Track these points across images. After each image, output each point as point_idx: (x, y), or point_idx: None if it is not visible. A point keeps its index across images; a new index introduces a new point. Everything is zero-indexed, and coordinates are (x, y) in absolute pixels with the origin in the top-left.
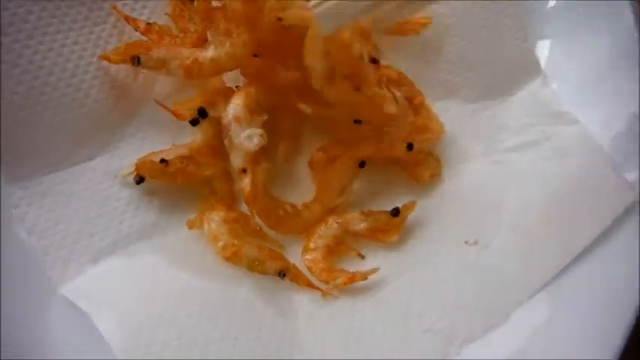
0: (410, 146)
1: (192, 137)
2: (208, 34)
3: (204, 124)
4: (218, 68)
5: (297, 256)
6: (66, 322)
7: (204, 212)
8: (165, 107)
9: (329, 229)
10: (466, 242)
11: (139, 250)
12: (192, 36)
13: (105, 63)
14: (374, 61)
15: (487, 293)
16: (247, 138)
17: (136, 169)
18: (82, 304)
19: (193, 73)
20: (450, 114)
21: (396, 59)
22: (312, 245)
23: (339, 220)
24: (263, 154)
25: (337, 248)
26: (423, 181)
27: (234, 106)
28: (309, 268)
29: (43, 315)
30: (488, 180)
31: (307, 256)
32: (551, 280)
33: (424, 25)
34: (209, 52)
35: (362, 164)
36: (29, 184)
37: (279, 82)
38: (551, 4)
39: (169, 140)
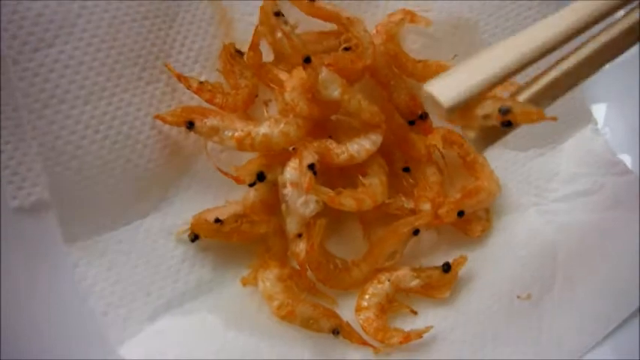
0: (461, 213)
1: (245, 192)
2: (265, 110)
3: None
4: (270, 145)
5: (349, 310)
6: None
7: (258, 269)
8: (226, 174)
9: (381, 287)
10: (518, 297)
11: (195, 307)
12: (243, 92)
13: (158, 122)
14: (422, 117)
15: (541, 349)
16: (304, 204)
17: (191, 227)
18: None
19: (245, 145)
20: (500, 162)
21: None
22: (364, 304)
23: (391, 278)
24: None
25: (389, 305)
26: (474, 235)
27: (291, 171)
28: (364, 328)
29: None
30: (539, 231)
31: (361, 316)
32: (607, 335)
33: None
34: (262, 128)
35: (416, 232)
36: (87, 243)
37: (331, 161)
38: None
39: (222, 194)
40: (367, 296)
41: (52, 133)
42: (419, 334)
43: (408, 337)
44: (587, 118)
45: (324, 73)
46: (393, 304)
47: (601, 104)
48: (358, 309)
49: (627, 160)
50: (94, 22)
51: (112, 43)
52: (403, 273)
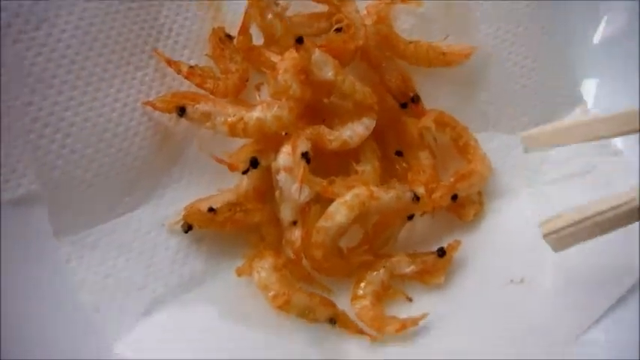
0: (455, 197)
1: (238, 180)
2: (256, 95)
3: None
4: (263, 129)
5: (344, 299)
6: None
7: (253, 259)
8: (221, 160)
9: (376, 274)
10: (511, 281)
11: (190, 299)
12: (234, 76)
13: (148, 108)
14: (414, 99)
15: (535, 333)
16: (298, 190)
17: (184, 218)
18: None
19: (237, 131)
20: (492, 146)
21: (436, 92)
22: (360, 292)
23: (386, 265)
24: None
25: (385, 293)
26: (468, 219)
27: (285, 157)
28: (360, 317)
29: None
30: (532, 214)
31: (357, 305)
32: (600, 318)
33: (468, 55)
34: (255, 113)
35: (410, 217)
36: (77, 237)
37: (324, 148)
38: (596, 40)
39: (214, 182)
40: (363, 284)
41: (39, 120)
42: (415, 322)
43: (403, 325)
44: (576, 99)
45: (317, 54)
46: (388, 291)
47: (590, 84)
48: (354, 298)
49: (618, 140)
50: (81, 5)
51: (100, 26)
52: (398, 259)
